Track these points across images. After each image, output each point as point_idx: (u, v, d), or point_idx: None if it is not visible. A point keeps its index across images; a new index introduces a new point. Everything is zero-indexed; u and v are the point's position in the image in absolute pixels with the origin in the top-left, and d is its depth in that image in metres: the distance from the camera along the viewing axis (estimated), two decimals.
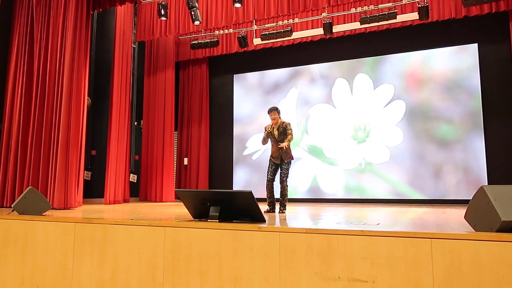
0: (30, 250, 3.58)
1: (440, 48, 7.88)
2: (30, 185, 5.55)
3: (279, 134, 5.06)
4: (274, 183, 5.02)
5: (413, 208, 6.06)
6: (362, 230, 2.53)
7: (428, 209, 5.74)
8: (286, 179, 4.98)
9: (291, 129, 5.07)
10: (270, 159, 5.15)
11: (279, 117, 5.15)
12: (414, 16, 7.20)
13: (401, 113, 8.00)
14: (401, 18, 7.33)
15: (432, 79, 7.89)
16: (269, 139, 5.13)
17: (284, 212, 4.78)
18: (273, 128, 5.09)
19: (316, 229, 2.64)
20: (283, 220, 3.69)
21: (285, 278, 2.63)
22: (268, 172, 5.07)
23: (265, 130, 5.14)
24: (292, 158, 5.10)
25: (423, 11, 6.90)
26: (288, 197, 5.12)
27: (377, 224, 3.16)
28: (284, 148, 4.90)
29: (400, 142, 7.94)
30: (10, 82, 6.10)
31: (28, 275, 3.55)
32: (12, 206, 4.14)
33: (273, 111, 5.12)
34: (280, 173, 5.02)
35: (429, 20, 7.20)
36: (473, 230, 2.50)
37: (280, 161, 5.01)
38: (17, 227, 3.70)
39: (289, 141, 5.02)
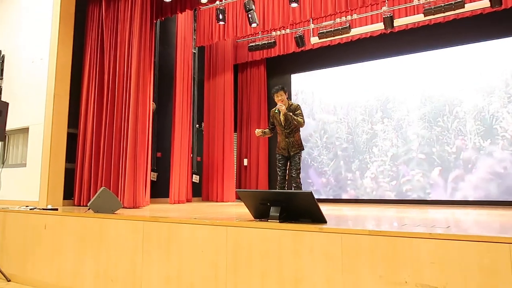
0: (104, 246, 3.85)
1: None
2: (103, 185, 5.96)
3: (285, 119, 4.34)
4: (287, 180, 4.35)
5: (487, 210, 5.63)
6: (430, 233, 2.39)
7: (504, 211, 5.30)
8: (299, 175, 4.26)
9: (301, 112, 4.33)
10: (276, 151, 4.49)
11: (287, 99, 4.38)
12: (485, 3, 6.67)
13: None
14: (469, 7, 6.83)
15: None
16: (278, 126, 4.37)
17: None
18: (278, 111, 4.29)
19: (380, 231, 2.55)
20: (345, 222, 3.61)
21: (347, 280, 2.57)
22: (278, 168, 4.38)
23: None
24: (303, 148, 4.40)
25: None
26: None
27: (447, 227, 2.97)
28: (294, 139, 4.11)
29: None
30: (84, 91, 6.60)
31: (103, 268, 3.81)
32: (88, 205, 4.48)
33: (279, 91, 4.33)
34: (290, 168, 4.35)
35: (503, 7, 6.64)
36: None
37: (288, 153, 4.34)
38: (93, 224, 3.99)
39: (297, 121, 4.15)
